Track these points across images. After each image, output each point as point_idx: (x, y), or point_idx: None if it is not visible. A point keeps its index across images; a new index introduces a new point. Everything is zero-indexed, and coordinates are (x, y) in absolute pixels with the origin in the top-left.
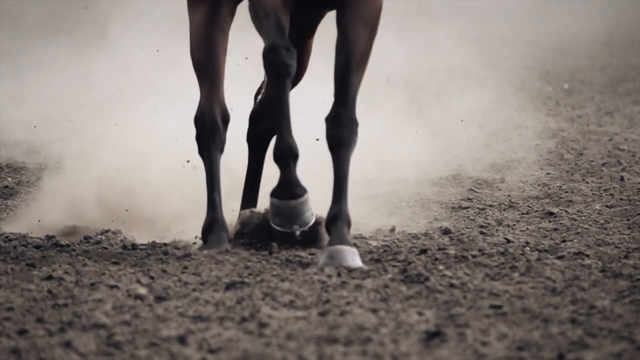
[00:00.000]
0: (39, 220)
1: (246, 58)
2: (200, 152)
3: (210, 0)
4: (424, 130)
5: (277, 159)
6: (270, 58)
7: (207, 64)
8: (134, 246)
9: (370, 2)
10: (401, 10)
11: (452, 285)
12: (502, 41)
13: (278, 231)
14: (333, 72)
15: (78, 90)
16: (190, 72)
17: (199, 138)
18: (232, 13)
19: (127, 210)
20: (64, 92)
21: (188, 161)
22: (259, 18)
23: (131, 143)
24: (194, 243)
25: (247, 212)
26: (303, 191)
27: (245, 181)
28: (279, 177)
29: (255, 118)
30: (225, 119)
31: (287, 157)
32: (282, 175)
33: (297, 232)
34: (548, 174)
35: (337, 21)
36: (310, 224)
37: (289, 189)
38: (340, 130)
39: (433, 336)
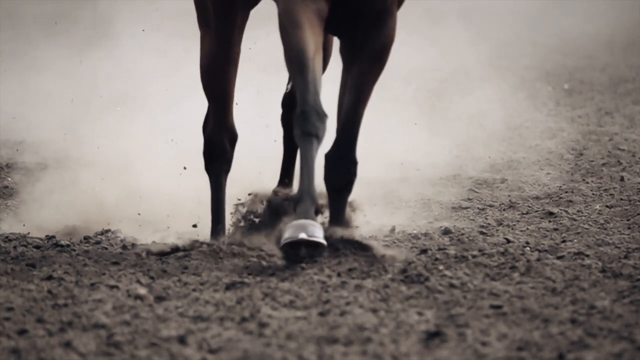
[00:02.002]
0: (24, 225)
1: (249, 48)
2: (207, 170)
3: (221, 31)
4: (424, 131)
5: (297, 206)
6: (301, 122)
7: (218, 92)
8: (134, 246)
9: (385, 37)
10: (401, 10)
11: (452, 285)
12: (502, 41)
13: (287, 248)
14: (337, 102)
15: (78, 91)
16: (190, 74)
17: (206, 158)
18: (242, 33)
19: (139, 214)
20: (64, 92)
21: (185, 168)
22: (291, 63)
23: (131, 143)
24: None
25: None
26: (316, 220)
27: (282, 162)
28: (295, 216)
29: (289, 103)
30: (233, 140)
31: (307, 205)
32: (299, 214)
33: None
34: (548, 174)
35: (347, 50)
36: (318, 240)
37: (303, 215)
38: (339, 172)
39: (433, 336)
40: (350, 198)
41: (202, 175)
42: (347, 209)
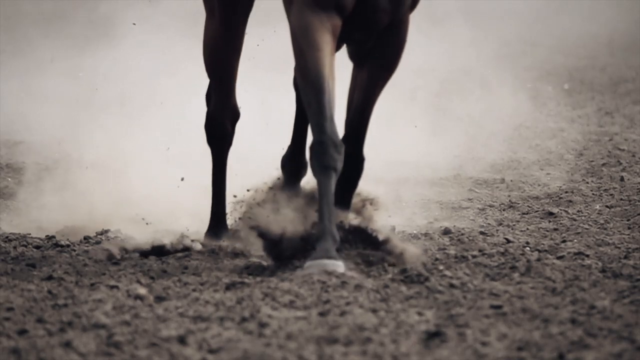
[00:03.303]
0: (20, 226)
1: (257, 45)
2: (209, 144)
3: (225, 15)
4: (424, 130)
5: (317, 243)
6: (319, 155)
7: (221, 74)
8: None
9: (398, 43)
10: None
11: (452, 285)
12: (502, 41)
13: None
14: (347, 102)
15: (78, 91)
16: (190, 74)
17: (208, 134)
18: (247, 17)
19: (147, 223)
20: (63, 93)
21: (182, 179)
22: (306, 84)
23: (131, 143)
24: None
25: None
26: (337, 258)
27: (294, 124)
28: (315, 253)
29: None
30: (235, 119)
31: (329, 244)
32: (320, 252)
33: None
34: (548, 174)
35: (357, 55)
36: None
37: (325, 253)
38: (347, 168)
39: (433, 336)
40: (373, 196)
41: (202, 176)
42: (369, 207)
